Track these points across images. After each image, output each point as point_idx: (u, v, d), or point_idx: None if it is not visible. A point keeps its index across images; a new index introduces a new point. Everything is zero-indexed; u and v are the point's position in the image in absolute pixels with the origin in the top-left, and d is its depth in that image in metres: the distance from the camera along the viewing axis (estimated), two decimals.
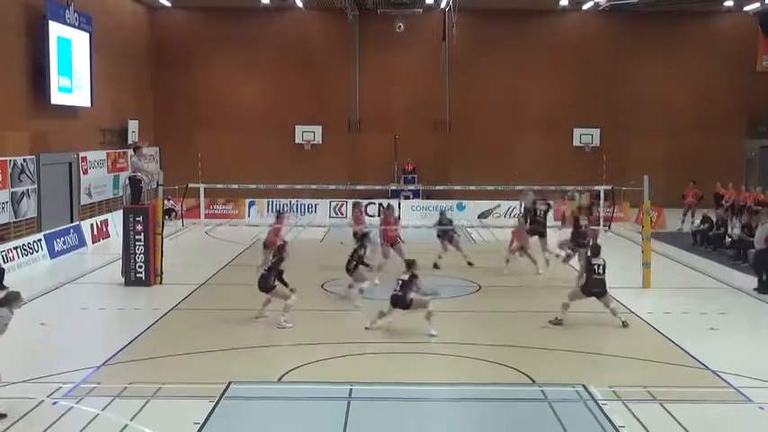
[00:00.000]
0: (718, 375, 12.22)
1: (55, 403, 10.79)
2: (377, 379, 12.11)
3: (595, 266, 15.01)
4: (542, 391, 11.61)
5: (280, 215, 20.96)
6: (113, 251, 22.88)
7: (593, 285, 14.99)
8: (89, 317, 16.45)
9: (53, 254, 22.54)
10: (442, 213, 22.11)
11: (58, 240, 23.16)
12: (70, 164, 26.70)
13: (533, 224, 21.32)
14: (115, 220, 25.62)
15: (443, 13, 34.48)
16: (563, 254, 20.49)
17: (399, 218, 18.44)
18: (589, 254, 15.50)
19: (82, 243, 24.63)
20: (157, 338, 14.41)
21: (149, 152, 32.33)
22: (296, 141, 36.37)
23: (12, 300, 10.51)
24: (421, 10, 34.76)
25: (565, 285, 17.39)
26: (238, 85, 36.27)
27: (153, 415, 10.43)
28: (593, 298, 15.05)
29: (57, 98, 25.01)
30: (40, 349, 13.45)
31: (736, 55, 35.17)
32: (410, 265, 14.69)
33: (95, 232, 25.80)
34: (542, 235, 21.09)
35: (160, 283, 19.04)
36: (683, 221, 29.08)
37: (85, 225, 25.46)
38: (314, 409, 10.96)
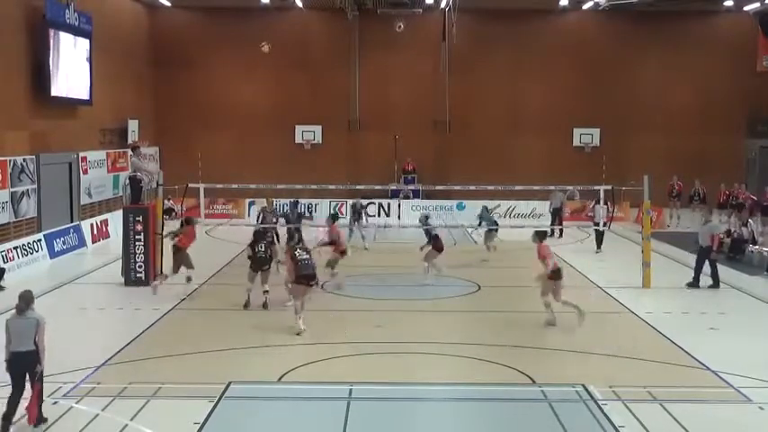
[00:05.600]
0: (718, 375, 12.22)
1: (55, 403, 10.80)
2: (377, 379, 12.11)
3: None
4: (542, 391, 11.61)
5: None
6: (113, 251, 22.88)
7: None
8: (89, 317, 16.46)
9: (53, 254, 22.52)
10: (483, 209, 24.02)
11: (57, 240, 23.14)
12: (70, 164, 26.65)
13: None
14: (115, 220, 25.59)
15: (443, 13, 34.48)
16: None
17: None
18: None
19: (82, 243, 24.61)
20: (157, 338, 14.42)
21: (149, 152, 32.30)
22: (296, 141, 36.35)
23: (30, 299, 10.11)
24: (421, 10, 34.74)
25: (566, 285, 17.36)
26: (238, 84, 36.23)
27: (153, 415, 10.45)
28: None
29: (56, 98, 25.00)
30: None
31: (736, 55, 35.12)
32: (292, 237, 14.94)
33: (95, 232, 25.78)
34: None
35: (160, 283, 19.02)
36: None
37: (85, 225, 25.43)
38: (314, 409, 10.96)
